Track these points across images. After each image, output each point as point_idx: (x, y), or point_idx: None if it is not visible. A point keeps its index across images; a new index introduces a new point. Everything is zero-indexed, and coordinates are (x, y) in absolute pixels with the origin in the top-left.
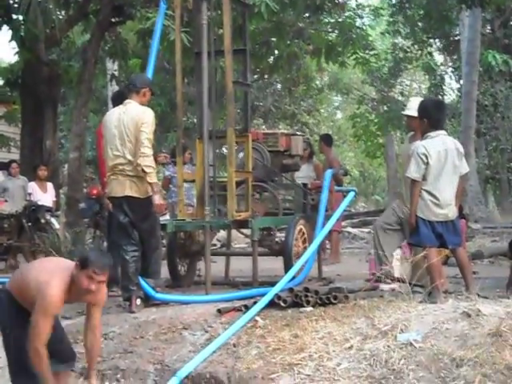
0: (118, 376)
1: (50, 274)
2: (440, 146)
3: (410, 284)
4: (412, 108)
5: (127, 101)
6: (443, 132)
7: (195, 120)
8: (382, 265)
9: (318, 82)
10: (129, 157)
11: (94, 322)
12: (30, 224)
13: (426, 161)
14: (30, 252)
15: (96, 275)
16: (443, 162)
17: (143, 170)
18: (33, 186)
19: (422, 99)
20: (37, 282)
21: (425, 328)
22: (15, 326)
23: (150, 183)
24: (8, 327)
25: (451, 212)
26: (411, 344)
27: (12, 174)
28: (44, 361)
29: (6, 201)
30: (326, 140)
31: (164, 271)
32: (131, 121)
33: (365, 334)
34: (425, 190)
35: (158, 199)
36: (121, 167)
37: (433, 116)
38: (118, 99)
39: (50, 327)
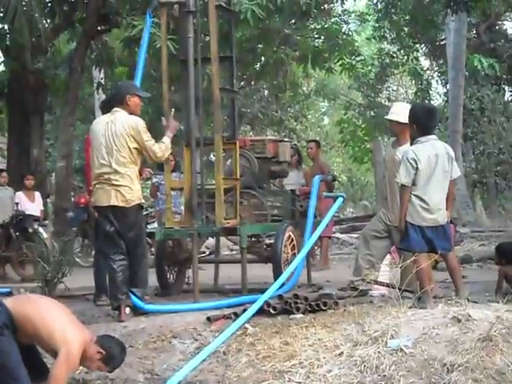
0: None
1: (75, 335)
2: (430, 150)
3: (399, 289)
4: (395, 113)
5: (115, 109)
6: (434, 137)
7: (182, 127)
8: (372, 268)
9: (304, 88)
10: (115, 166)
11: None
12: (17, 234)
13: (415, 166)
14: (17, 262)
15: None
16: (433, 167)
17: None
18: (20, 196)
19: (412, 105)
20: (63, 337)
21: (415, 333)
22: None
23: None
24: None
25: (441, 217)
26: (401, 350)
27: (0, 183)
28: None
29: None
30: (318, 145)
31: (153, 279)
32: (121, 130)
33: (355, 340)
34: (414, 195)
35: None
36: (106, 176)
37: (422, 122)
38: (106, 107)
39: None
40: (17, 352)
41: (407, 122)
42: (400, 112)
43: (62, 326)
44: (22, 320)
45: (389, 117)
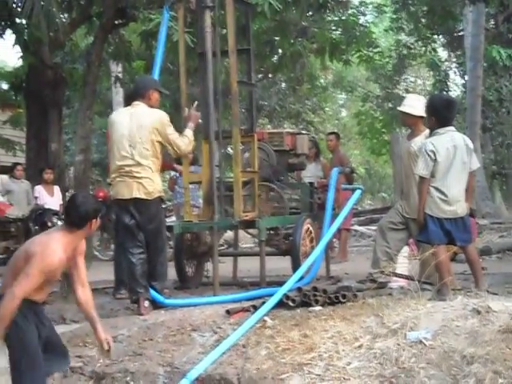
0: (128, 379)
1: (44, 242)
2: (449, 142)
3: (418, 281)
4: (408, 105)
5: (136, 102)
6: (452, 128)
7: (200, 121)
8: (390, 260)
9: (322, 81)
10: (137, 158)
11: (83, 276)
12: (36, 228)
13: (434, 158)
14: None
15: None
16: (452, 158)
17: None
18: (39, 190)
19: (430, 96)
20: (32, 252)
21: (434, 326)
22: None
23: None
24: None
25: (460, 208)
26: (421, 342)
27: (16, 176)
28: (13, 309)
29: (12, 204)
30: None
31: (172, 273)
32: (145, 123)
33: (374, 332)
34: (433, 186)
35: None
36: (128, 168)
37: (441, 113)
38: (129, 100)
39: (37, 284)
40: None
41: (420, 114)
42: (413, 104)
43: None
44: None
45: (401, 109)
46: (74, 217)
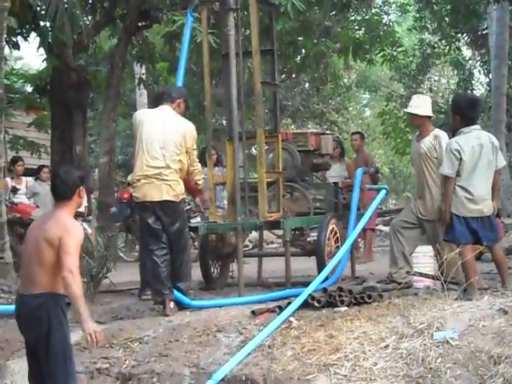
0: (154, 380)
1: (60, 223)
2: (474, 141)
3: (444, 281)
4: (414, 106)
5: (166, 106)
6: (477, 127)
7: (223, 121)
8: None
9: (345, 80)
10: (168, 162)
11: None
12: None
13: (459, 157)
14: None
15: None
16: (477, 157)
17: (197, 183)
18: None
19: (455, 95)
20: (54, 236)
21: (461, 326)
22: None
23: (199, 190)
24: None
25: (486, 207)
26: (448, 342)
27: (43, 179)
28: (80, 284)
29: (38, 206)
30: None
31: (197, 274)
32: (178, 130)
33: (400, 332)
34: (459, 185)
35: (204, 196)
36: (157, 171)
37: (465, 112)
38: (155, 102)
39: None
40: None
41: (426, 114)
42: (419, 105)
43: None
44: (26, 284)
45: (407, 110)
46: (62, 190)
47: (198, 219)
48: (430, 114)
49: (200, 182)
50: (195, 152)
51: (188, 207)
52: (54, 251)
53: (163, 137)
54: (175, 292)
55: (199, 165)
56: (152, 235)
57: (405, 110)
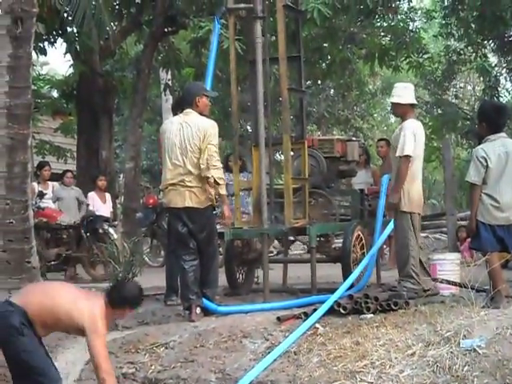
0: None
1: (88, 301)
2: (500, 148)
3: (471, 289)
4: (396, 95)
5: (187, 110)
6: (503, 135)
7: (248, 127)
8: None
9: (370, 87)
10: (189, 167)
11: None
12: (88, 234)
13: (485, 164)
14: (88, 262)
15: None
16: (503, 164)
17: (216, 182)
18: (93, 197)
19: (481, 102)
20: (80, 313)
21: (488, 333)
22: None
23: (221, 194)
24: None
25: None
26: (475, 350)
27: (66, 184)
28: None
29: (62, 211)
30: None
31: (222, 279)
32: (196, 132)
33: (427, 340)
34: (485, 193)
35: (227, 210)
36: (180, 178)
37: (492, 119)
38: (177, 108)
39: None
40: (39, 348)
41: (408, 102)
42: (400, 93)
43: (75, 302)
44: (37, 311)
45: (391, 100)
46: (115, 297)
47: None
48: (412, 101)
49: (220, 182)
50: (214, 148)
51: (214, 212)
52: (66, 321)
53: (182, 143)
54: (201, 297)
55: (219, 163)
56: (180, 241)
57: (389, 100)
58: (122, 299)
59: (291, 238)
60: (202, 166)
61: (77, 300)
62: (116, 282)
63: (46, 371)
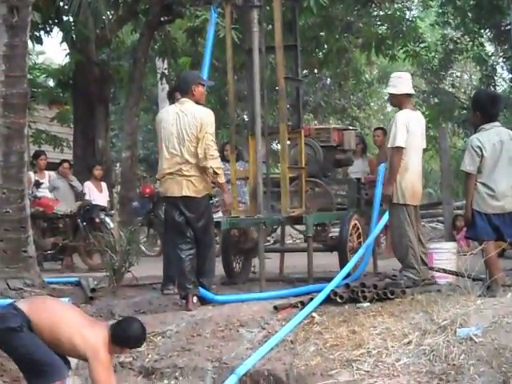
0: (177, 374)
1: (95, 336)
2: (494, 137)
3: (468, 278)
4: (391, 85)
5: (183, 99)
6: (497, 124)
7: (245, 116)
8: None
9: (367, 76)
10: (186, 156)
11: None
12: (84, 224)
13: (480, 153)
14: (85, 251)
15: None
16: (498, 153)
17: (215, 172)
18: (89, 186)
19: (475, 92)
20: (84, 341)
21: (485, 322)
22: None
23: (220, 184)
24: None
25: (508, 204)
26: (471, 339)
27: (61, 173)
28: None
29: (58, 200)
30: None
31: (219, 268)
32: (193, 121)
33: (423, 329)
34: (480, 182)
35: (228, 198)
36: (177, 167)
37: (486, 109)
38: (172, 97)
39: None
40: (40, 342)
41: (403, 92)
42: (396, 84)
43: (80, 330)
44: (39, 327)
45: (386, 90)
46: (119, 333)
47: (220, 214)
48: (407, 91)
49: (218, 172)
50: (210, 137)
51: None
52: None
53: (179, 132)
54: (198, 286)
55: (217, 152)
56: (176, 230)
57: (385, 90)
58: (125, 338)
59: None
60: (199, 156)
61: (81, 327)
62: (123, 320)
63: (50, 361)
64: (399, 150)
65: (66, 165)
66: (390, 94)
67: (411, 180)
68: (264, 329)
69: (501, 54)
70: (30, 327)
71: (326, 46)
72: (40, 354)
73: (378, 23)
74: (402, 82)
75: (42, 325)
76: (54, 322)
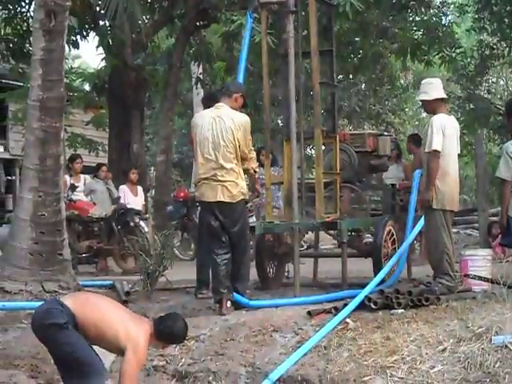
0: (210, 378)
1: (138, 330)
2: None
3: (503, 285)
4: (422, 92)
5: (219, 104)
6: None
7: (279, 121)
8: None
9: (402, 81)
10: (222, 162)
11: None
12: (119, 227)
13: None
14: (119, 255)
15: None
16: None
17: (254, 171)
18: (124, 190)
19: (510, 98)
20: (126, 335)
21: None
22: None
23: (255, 178)
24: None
25: None
26: (506, 346)
27: (100, 177)
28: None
29: (95, 204)
30: (414, 140)
31: (252, 273)
32: (230, 126)
33: (458, 336)
34: None
35: (258, 186)
36: (212, 172)
37: None
38: (209, 101)
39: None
40: (83, 341)
41: (434, 97)
42: (427, 90)
43: (124, 324)
44: (85, 323)
45: (418, 98)
46: (163, 330)
47: (254, 219)
48: (439, 96)
49: (257, 170)
50: (248, 142)
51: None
52: (112, 340)
53: (214, 137)
54: (232, 291)
55: (254, 153)
56: (212, 234)
57: (417, 98)
58: (169, 335)
59: None
60: (243, 156)
61: (126, 322)
62: (168, 315)
63: (92, 361)
64: (436, 153)
65: (104, 168)
66: (423, 101)
67: (450, 185)
68: (297, 334)
69: None
70: (75, 323)
71: (361, 52)
72: (84, 353)
73: (414, 28)
74: (433, 87)
75: (88, 321)
76: (99, 318)
